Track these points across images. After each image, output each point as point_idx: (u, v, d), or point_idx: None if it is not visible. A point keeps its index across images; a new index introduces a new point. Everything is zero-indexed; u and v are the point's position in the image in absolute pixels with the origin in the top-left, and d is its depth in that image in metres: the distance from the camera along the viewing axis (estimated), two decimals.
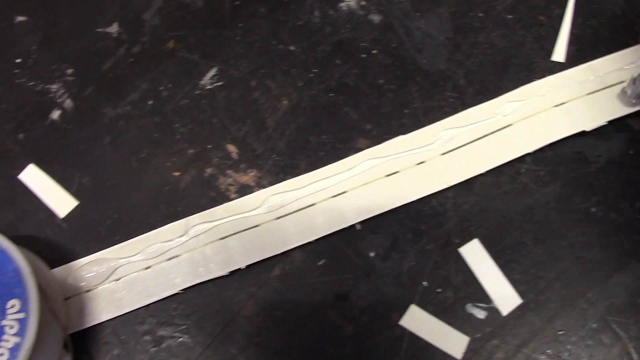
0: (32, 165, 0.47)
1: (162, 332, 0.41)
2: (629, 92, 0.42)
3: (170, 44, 0.50)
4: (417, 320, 0.40)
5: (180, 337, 0.41)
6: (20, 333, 0.37)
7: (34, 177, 0.47)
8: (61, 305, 0.42)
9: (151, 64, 0.49)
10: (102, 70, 0.50)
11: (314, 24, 0.49)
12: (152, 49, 0.50)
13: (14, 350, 0.37)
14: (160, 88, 0.48)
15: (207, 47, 0.50)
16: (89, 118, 0.48)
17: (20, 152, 0.48)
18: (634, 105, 0.43)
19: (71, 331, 0.41)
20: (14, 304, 0.38)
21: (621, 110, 0.44)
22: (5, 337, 0.37)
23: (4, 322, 0.38)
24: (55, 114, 0.49)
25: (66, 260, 0.44)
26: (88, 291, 0.43)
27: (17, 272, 0.39)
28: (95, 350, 0.42)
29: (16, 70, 0.51)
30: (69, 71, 0.50)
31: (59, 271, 0.44)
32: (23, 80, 0.50)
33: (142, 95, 0.48)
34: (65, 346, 0.41)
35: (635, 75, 0.42)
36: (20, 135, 0.48)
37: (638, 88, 0.42)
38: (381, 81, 0.47)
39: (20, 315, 0.38)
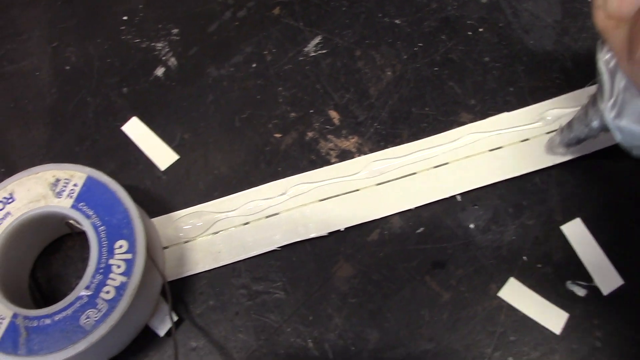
0: (135, 118, 0.48)
1: (257, 287, 0.42)
2: (557, 140, 0.41)
3: (276, 11, 0.50)
4: (516, 293, 0.40)
5: (276, 293, 0.41)
6: (127, 273, 0.38)
7: (136, 130, 0.48)
8: (160, 253, 0.43)
9: (256, 28, 0.50)
10: (207, 32, 0.51)
11: (419, 0, 0.49)
12: (257, 14, 0.51)
13: (119, 289, 0.38)
14: (265, 52, 0.49)
15: (312, 15, 0.50)
16: (193, 77, 0.49)
17: (123, 105, 0.49)
18: (562, 154, 0.42)
19: (168, 279, 0.42)
20: (121, 244, 0.39)
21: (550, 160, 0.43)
22: (112, 275, 0.38)
23: (112, 261, 0.38)
24: (160, 71, 0.50)
25: (165, 211, 0.45)
26: (186, 242, 0.44)
27: (126, 215, 0.40)
28: (191, 299, 0.42)
29: (122, 27, 0.52)
30: (175, 31, 0.51)
31: (158, 221, 0.44)
32: (129, 37, 0.51)
33: (246, 58, 0.49)
34: (162, 293, 0.42)
35: (564, 125, 0.41)
36: (125, 89, 0.49)
37: (565, 138, 0.41)
38: (487, 59, 0.47)
39: (128, 256, 0.38)
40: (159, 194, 0.45)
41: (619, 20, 0.26)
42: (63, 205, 0.41)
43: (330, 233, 0.42)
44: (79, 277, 0.43)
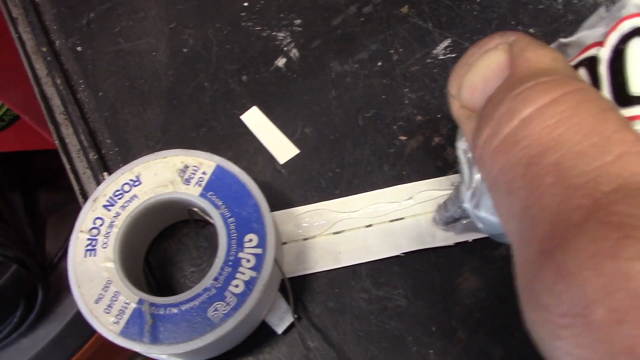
0: (255, 108, 0.47)
1: (378, 292, 0.41)
2: (436, 218, 0.39)
3: (404, 9, 0.49)
4: None
5: (397, 300, 0.40)
6: (256, 268, 0.37)
7: (256, 120, 0.47)
8: (280, 249, 0.42)
9: (382, 25, 0.49)
10: (331, 25, 0.50)
11: (555, 10, 0.48)
12: (383, 11, 0.49)
13: (249, 283, 0.37)
14: (391, 51, 0.48)
15: (442, 17, 0.49)
16: (315, 70, 0.48)
17: (242, 93, 0.48)
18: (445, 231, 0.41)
19: (287, 276, 0.41)
20: (251, 238, 0.38)
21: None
22: (241, 269, 0.37)
23: (241, 255, 0.38)
24: (281, 62, 0.49)
25: (284, 206, 0.44)
26: (305, 239, 0.43)
27: (256, 208, 0.39)
28: (309, 299, 0.41)
29: (242, 14, 0.51)
30: (297, 22, 0.50)
31: (277, 215, 0.43)
32: (249, 24, 0.50)
33: (372, 56, 0.48)
34: (281, 289, 0.41)
35: (441, 202, 0.38)
36: (244, 77, 0.48)
37: (443, 216, 0.38)
38: None
39: (257, 251, 0.38)
40: (277, 188, 0.44)
41: (471, 111, 0.25)
42: (191, 192, 0.40)
43: (457, 244, 0.41)
44: (194, 265, 0.42)
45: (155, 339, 0.37)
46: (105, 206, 0.40)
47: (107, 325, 0.37)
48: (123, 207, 0.40)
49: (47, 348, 1.01)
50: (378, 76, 0.47)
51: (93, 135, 0.48)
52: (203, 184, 0.40)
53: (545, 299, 0.18)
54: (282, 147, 0.46)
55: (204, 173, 0.40)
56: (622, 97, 0.22)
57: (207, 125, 0.47)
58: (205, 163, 0.41)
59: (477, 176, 0.30)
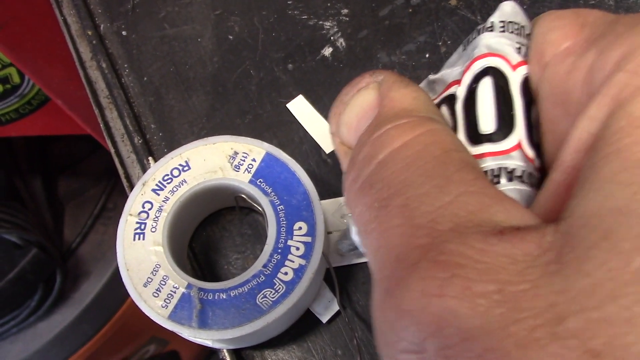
0: (301, 97, 0.47)
1: None
2: (339, 245, 0.39)
3: (453, 2, 0.49)
4: None
5: None
6: (305, 256, 0.37)
7: (302, 108, 0.47)
8: (326, 238, 0.42)
9: (430, 17, 0.49)
10: (378, 16, 0.49)
11: (607, 6, 0.47)
12: (432, 3, 0.49)
13: (298, 271, 0.37)
14: (439, 43, 0.48)
15: (491, 10, 0.48)
16: (362, 60, 0.48)
17: (288, 82, 0.48)
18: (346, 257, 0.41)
19: (332, 265, 0.41)
20: (301, 226, 0.38)
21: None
22: (290, 257, 0.37)
23: (290, 243, 0.38)
24: (327, 51, 0.49)
25: (329, 195, 0.44)
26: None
27: (306, 196, 0.39)
28: (353, 289, 0.41)
29: (289, 1, 0.51)
30: (344, 11, 0.50)
31: (324, 204, 0.43)
32: (296, 12, 0.50)
33: (419, 48, 0.48)
34: (326, 279, 0.41)
35: (345, 228, 0.38)
36: (290, 66, 0.48)
37: (343, 244, 0.37)
38: None
39: (307, 239, 0.38)
40: (323, 177, 0.44)
41: (349, 147, 0.26)
42: (241, 179, 0.40)
43: None
44: (238, 252, 0.42)
45: (203, 324, 0.37)
46: (154, 190, 0.40)
47: (156, 309, 0.37)
48: (172, 191, 0.40)
49: (64, 332, 1.01)
50: (426, 68, 0.47)
51: (138, 119, 0.48)
52: (252, 170, 0.40)
53: (388, 336, 0.19)
54: (328, 137, 0.46)
55: (253, 160, 0.40)
56: (474, 135, 0.23)
57: (252, 113, 0.47)
58: (254, 150, 0.41)
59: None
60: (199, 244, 0.44)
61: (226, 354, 0.40)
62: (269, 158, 0.40)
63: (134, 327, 1.10)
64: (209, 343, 0.39)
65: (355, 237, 0.31)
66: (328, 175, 0.44)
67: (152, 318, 0.37)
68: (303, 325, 0.41)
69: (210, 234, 0.44)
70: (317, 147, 0.45)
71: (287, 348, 0.40)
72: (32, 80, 0.82)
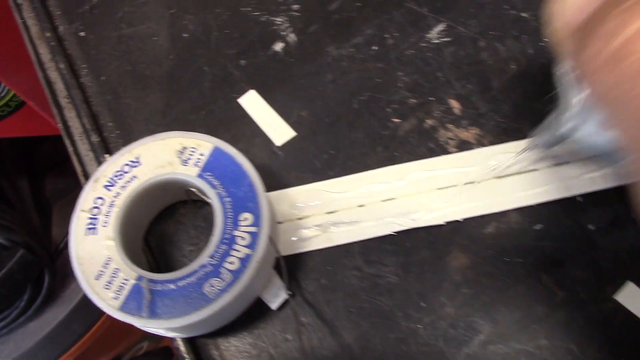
0: (253, 91, 0.48)
1: (369, 269, 0.42)
2: (538, 141, 0.40)
3: None
4: (634, 299, 0.40)
5: (388, 277, 0.42)
6: (251, 246, 0.38)
7: (253, 103, 0.48)
8: (275, 228, 0.43)
9: (378, 10, 0.50)
10: (328, 10, 0.51)
11: None
12: None
13: (244, 261, 0.38)
14: (386, 35, 0.49)
15: (437, 2, 0.50)
16: (312, 54, 0.49)
17: (241, 78, 0.49)
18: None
19: (282, 254, 0.42)
20: (246, 217, 0.39)
21: None
22: (236, 247, 0.38)
23: (236, 233, 0.39)
24: (278, 46, 0.50)
25: (280, 187, 0.45)
26: (300, 219, 0.44)
27: (251, 188, 0.40)
28: (303, 276, 0.42)
29: None
30: (295, 7, 0.51)
31: (273, 195, 0.45)
32: (248, 9, 0.52)
33: (367, 40, 0.49)
34: (275, 267, 0.42)
35: (541, 126, 0.39)
36: (242, 62, 0.50)
37: (543, 139, 0.38)
38: None
39: (253, 229, 0.39)
40: (274, 169, 0.46)
41: (573, 30, 0.26)
42: (189, 173, 0.41)
43: (447, 222, 0.42)
44: (192, 244, 0.44)
45: (153, 314, 0.38)
46: (106, 186, 0.42)
47: (107, 301, 0.38)
48: (123, 187, 0.41)
49: (54, 332, 1.03)
50: (373, 60, 0.48)
51: (95, 118, 0.49)
52: (201, 164, 0.41)
53: None
54: (279, 130, 0.47)
55: (201, 154, 0.42)
56: None
57: (206, 109, 0.48)
58: (202, 144, 0.42)
59: (578, 97, 0.30)
60: (155, 238, 0.45)
61: (180, 343, 0.42)
62: (216, 152, 0.42)
63: (126, 324, 1.11)
64: (162, 332, 0.40)
65: (568, 125, 0.31)
66: (279, 167, 0.46)
67: (103, 309, 0.39)
68: (254, 313, 0.42)
69: (166, 227, 0.45)
70: (268, 141, 0.47)
71: (238, 335, 0.42)
72: (3, 82, 0.83)
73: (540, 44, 0.47)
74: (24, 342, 1.03)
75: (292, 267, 0.43)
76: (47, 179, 1.17)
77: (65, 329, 1.04)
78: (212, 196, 0.40)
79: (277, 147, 0.46)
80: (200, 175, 0.41)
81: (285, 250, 0.43)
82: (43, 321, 1.04)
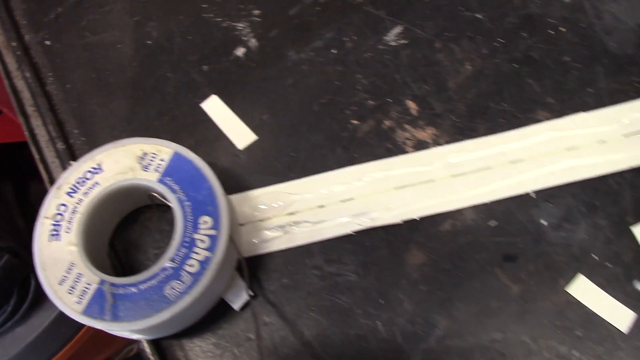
0: (215, 96, 0.49)
1: (330, 268, 0.43)
2: None
3: None
4: (584, 290, 0.41)
5: (348, 276, 0.43)
6: (211, 248, 0.39)
7: (216, 108, 0.49)
8: (237, 230, 0.44)
9: (337, 14, 0.51)
10: (288, 15, 0.52)
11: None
12: (339, 1, 0.51)
13: (203, 263, 0.39)
14: (345, 39, 0.50)
15: (394, 5, 0.51)
16: (273, 59, 0.50)
17: (203, 83, 0.50)
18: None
19: (244, 256, 0.43)
20: (206, 220, 0.40)
21: None
22: (196, 249, 0.39)
23: (196, 236, 0.40)
24: (240, 51, 0.51)
25: (242, 189, 0.46)
26: (261, 221, 0.45)
27: (210, 192, 0.41)
28: (265, 277, 0.43)
29: (204, 5, 0.53)
30: (256, 12, 0.52)
31: (235, 198, 0.46)
32: (210, 15, 0.52)
33: (327, 44, 0.50)
34: (238, 268, 0.43)
35: None
36: (205, 67, 0.51)
37: None
38: (567, 59, 0.47)
39: (212, 232, 0.40)
40: (236, 172, 0.46)
41: None
42: (150, 178, 0.42)
43: (404, 221, 0.43)
44: (157, 247, 0.45)
45: (115, 317, 0.39)
46: (68, 193, 0.42)
47: (70, 305, 0.39)
48: (85, 193, 0.42)
49: (42, 336, 1.03)
50: (332, 63, 0.49)
51: (61, 126, 0.50)
52: (161, 170, 0.42)
53: None
54: (240, 134, 0.48)
55: (162, 160, 0.43)
56: None
57: (170, 115, 0.49)
58: (163, 150, 0.43)
59: None
60: (121, 242, 0.46)
61: (145, 345, 0.43)
62: (176, 157, 0.43)
63: None
64: (126, 334, 0.41)
65: None
66: (241, 170, 0.47)
67: (67, 314, 0.39)
68: (218, 314, 0.43)
69: (131, 231, 0.46)
70: (230, 144, 0.48)
71: (202, 336, 0.43)
72: None
73: (494, 44, 0.48)
74: (12, 348, 1.03)
75: (254, 268, 0.44)
76: (32, 184, 1.17)
77: (53, 333, 1.04)
78: (173, 200, 0.41)
79: (239, 150, 0.47)
80: (160, 180, 0.42)
81: (247, 252, 0.44)
82: (30, 326, 1.04)
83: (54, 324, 0.99)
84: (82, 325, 1.04)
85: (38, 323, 1.01)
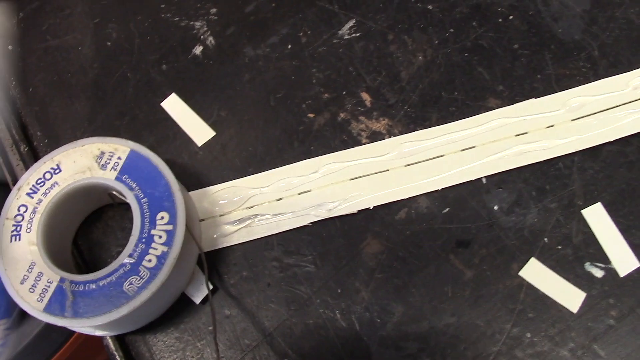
0: (174, 95, 0.50)
1: (288, 260, 0.44)
2: None
3: None
4: (536, 273, 0.42)
5: (306, 267, 0.44)
6: (168, 243, 0.40)
7: (175, 106, 0.50)
8: (197, 225, 0.45)
9: (292, 10, 0.52)
10: (244, 12, 0.52)
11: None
12: None
13: (161, 258, 0.40)
14: (300, 34, 0.51)
15: (348, 1, 0.52)
16: (230, 56, 0.51)
17: (163, 82, 0.51)
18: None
19: (204, 250, 0.44)
20: (163, 216, 0.41)
21: None
22: (154, 245, 0.40)
23: (154, 232, 0.41)
24: (198, 50, 0.52)
25: (201, 185, 0.47)
26: (221, 215, 0.46)
27: (167, 188, 0.42)
28: (225, 270, 0.44)
29: (162, 5, 0.54)
30: (213, 10, 0.53)
31: (195, 194, 0.46)
32: (169, 15, 0.53)
33: (282, 40, 0.51)
34: (198, 263, 0.44)
35: None
36: (164, 67, 0.51)
37: None
38: (516, 46, 0.48)
39: (169, 227, 0.41)
40: (195, 169, 0.47)
41: None
42: (107, 177, 0.43)
43: (360, 211, 0.44)
44: (120, 245, 0.45)
45: (76, 314, 0.40)
46: (28, 194, 0.43)
47: (32, 303, 0.40)
48: (45, 194, 0.43)
49: (33, 343, 1.03)
50: (288, 58, 0.50)
51: (24, 129, 0.51)
52: (118, 168, 0.43)
53: None
54: (199, 130, 0.49)
55: (119, 158, 0.43)
56: None
57: (130, 114, 0.50)
58: (120, 149, 0.44)
59: None
60: (84, 241, 0.47)
61: (109, 340, 0.43)
62: (133, 155, 0.43)
63: None
64: (89, 331, 0.42)
65: None
66: (200, 166, 0.48)
67: (28, 312, 0.40)
68: (180, 308, 0.44)
69: (94, 230, 0.47)
70: (189, 141, 0.48)
71: (165, 330, 0.44)
72: None
73: (446, 34, 0.49)
74: (3, 355, 1.03)
75: (214, 261, 0.45)
76: None
77: (44, 340, 1.04)
78: (130, 198, 0.42)
79: (198, 147, 0.48)
80: (118, 178, 0.43)
81: (208, 246, 0.45)
82: (21, 333, 1.05)
83: (45, 331, 1.00)
84: (72, 333, 1.04)
85: (29, 331, 1.01)
